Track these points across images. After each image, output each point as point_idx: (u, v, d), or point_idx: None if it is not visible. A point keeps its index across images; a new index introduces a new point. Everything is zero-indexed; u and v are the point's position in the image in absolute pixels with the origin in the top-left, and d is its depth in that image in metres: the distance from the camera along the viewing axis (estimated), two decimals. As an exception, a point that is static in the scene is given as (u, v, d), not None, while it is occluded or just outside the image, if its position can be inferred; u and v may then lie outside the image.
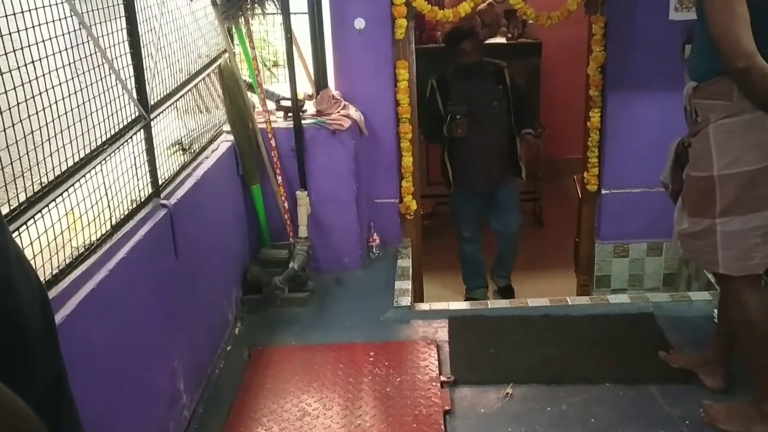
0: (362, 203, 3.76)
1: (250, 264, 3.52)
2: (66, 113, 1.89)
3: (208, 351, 2.94)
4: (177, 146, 3.06)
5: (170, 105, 2.79)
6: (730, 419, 2.46)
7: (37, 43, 1.73)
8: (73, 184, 1.91)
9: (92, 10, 2.11)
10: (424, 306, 3.49)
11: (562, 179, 5.79)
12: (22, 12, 1.67)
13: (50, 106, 1.80)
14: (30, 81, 1.69)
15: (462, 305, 3.45)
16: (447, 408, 2.63)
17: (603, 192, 3.88)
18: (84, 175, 1.98)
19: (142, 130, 2.43)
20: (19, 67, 1.64)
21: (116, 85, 2.24)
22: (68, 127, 1.90)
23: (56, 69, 1.84)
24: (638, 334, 3.07)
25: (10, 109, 1.59)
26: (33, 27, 1.72)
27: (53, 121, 1.80)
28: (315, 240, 3.64)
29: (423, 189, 4.85)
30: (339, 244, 3.72)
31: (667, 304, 3.31)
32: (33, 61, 1.71)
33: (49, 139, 1.78)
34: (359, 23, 3.63)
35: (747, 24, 1.99)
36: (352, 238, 3.72)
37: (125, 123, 2.30)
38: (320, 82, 3.64)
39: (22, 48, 1.64)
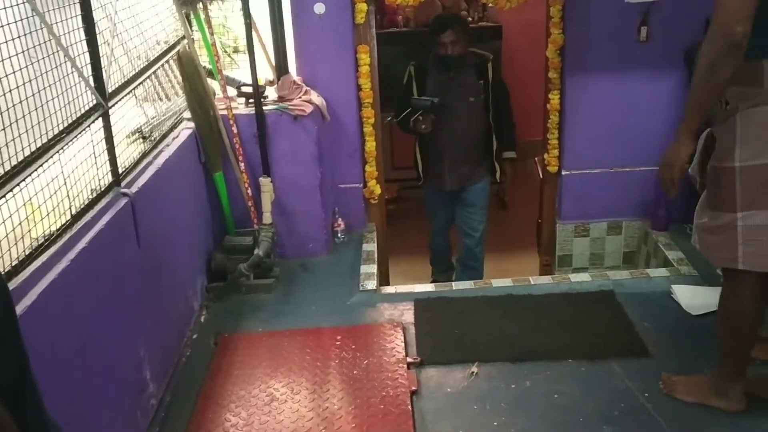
0: (326, 188, 3.77)
1: (214, 252, 3.51)
2: (21, 102, 1.86)
3: (174, 339, 2.94)
4: (137, 134, 3.04)
5: (129, 93, 2.76)
6: (689, 390, 2.54)
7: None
8: (30, 174, 1.89)
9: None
10: (389, 289, 3.52)
11: (524, 161, 5.84)
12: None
13: (3, 95, 1.77)
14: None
15: (427, 287, 3.48)
16: (414, 388, 2.66)
17: (563, 173, 3.95)
18: (41, 165, 1.95)
19: (100, 119, 2.39)
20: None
21: (72, 72, 2.21)
22: (23, 117, 1.87)
23: (9, 57, 1.81)
24: (599, 310, 3.14)
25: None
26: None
27: (8, 110, 1.77)
28: (279, 226, 3.64)
29: (388, 173, 4.87)
30: (304, 229, 3.72)
31: (626, 281, 3.39)
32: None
33: (3, 129, 1.75)
34: (319, 8, 3.61)
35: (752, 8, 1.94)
36: (316, 223, 3.72)
37: (83, 111, 2.27)
38: (281, 68, 3.62)
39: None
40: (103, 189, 2.41)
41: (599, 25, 3.66)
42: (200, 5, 3.39)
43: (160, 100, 3.43)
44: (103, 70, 2.43)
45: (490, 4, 3.81)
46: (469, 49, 3.87)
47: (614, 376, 2.71)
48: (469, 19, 5.65)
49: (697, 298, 3.14)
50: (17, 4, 1.87)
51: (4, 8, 1.81)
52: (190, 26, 3.48)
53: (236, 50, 4.57)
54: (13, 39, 1.83)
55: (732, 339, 2.41)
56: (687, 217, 3.77)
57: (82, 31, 2.29)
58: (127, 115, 2.87)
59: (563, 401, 2.59)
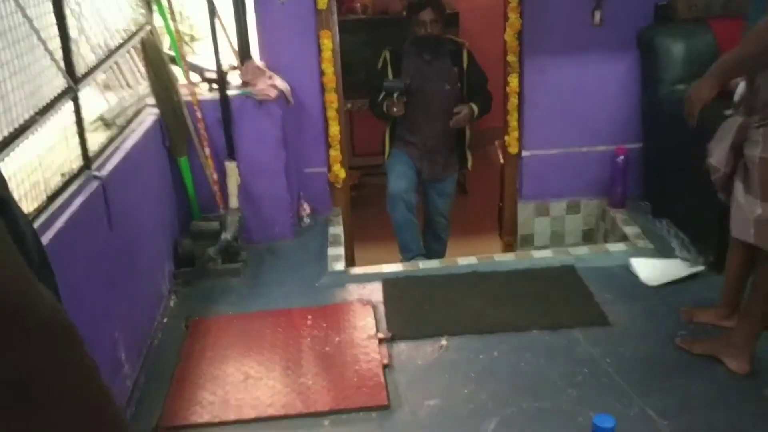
0: (291, 173, 3.81)
1: (180, 237, 3.52)
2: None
3: (146, 323, 2.95)
4: (99, 122, 3.04)
5: (96, 76, 2.76)
6: (702, 343, 2.69)
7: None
8: (8, 154, 1.89)
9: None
10: (357, 270, 3.58)
11: (485, 148, 5.96)
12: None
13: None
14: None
15: (394, 267, 3.55)
16: (386, 362, 2.74)
17: (523, 154, 4.06)
18: (18, 146, 1.96)
19: (71, 102, 2.40)
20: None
21: (45, 56, 2.21)
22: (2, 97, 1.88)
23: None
24: (561, 284, 3.26)
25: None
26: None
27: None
28: (246, 210, 3.67)
29: (350, 160, 4.93)
30: (270, 213, 3.76)
31: (586, 256, 3.52)
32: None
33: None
34: (281, -7, 3.65)
35: None
36: (282, 207, 3.76)
37: (55, 95, 2.27)
38: (244, 53, 3.64)
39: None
40: (75, 172, 2.42)
41: (555, 10, 3.78)
42: (162, -9, 3.40)
43: (122, 87, 3.42)
44: (73, 54, 2.44)
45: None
46: (444, 35, 3.89)
47: (577, 344, 2.83)
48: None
49: (653, 270, 3.28)
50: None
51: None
52: (152, 13, 3.48)
53: (193, 38, 4.57)
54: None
55: (765, 307, 2.50)
56: (641, 193, 3.96)
57: (53, 15, 2.29)
58: (90, 102, 2.88)
59: (529, 368, 2.70)
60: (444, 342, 2.86)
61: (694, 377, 2.59)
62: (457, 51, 3.88)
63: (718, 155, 2.48)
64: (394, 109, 3.76)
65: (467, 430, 2.39)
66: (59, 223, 2.12)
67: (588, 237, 4.17)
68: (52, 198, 2.19)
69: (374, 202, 5.30)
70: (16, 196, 1.99)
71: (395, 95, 3.74)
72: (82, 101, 2.66)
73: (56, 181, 2.27)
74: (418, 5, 3.77)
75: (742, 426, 2.35)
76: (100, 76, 3.17)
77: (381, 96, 3.79)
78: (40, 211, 2.11)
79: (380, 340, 2.88)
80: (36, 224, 2.06)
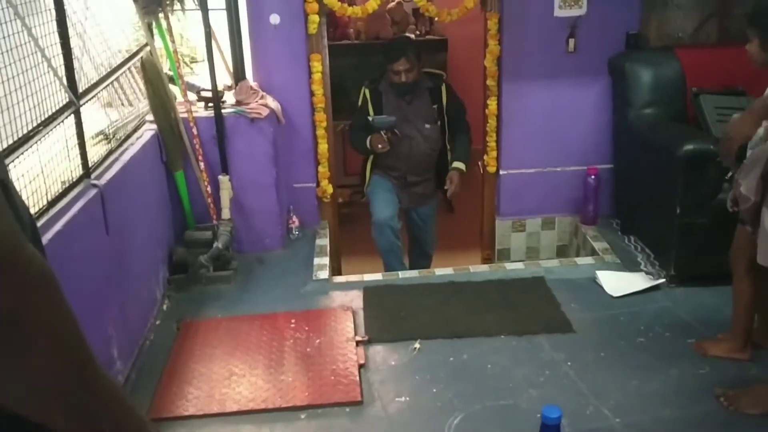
0: (281, 187, 4.02)
1: (175, 246, 3.73)
2: (3, 96, 2.08)
3: (139, 324, 3.14)
4: (101, 136, 3.26)
5: (97, 93, 2.98)
6: (754, 402, 2.55)
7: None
8: (13, 161, 2.10)
9: (24, 2, 2.31)
10: (341, 278, 3.78)
11: (471, 168, 6.18)
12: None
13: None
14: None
15: (376, 276, 3.75)
16: (362, 362, 2.93)
17: (501, 173, 4.27)
18: (22, 153, 2.17)
19: (72, 115, 2.62)
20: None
21: (48, 72, 2.43)
22: (3, 112, 2.09)
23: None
24: (530, 294, 3.46)
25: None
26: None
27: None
28: (238, 222, 3.87)
29: (341, 179, 5.14)
30: (260, 225, 3.96)
31: (556, 268, 3.72)
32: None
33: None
34: (274, 19, 3.89)
35: None
36: (272, 220, 3.97)
37: (57, 108, 2.49)
38: (239, 74, 3.87)
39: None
40: (75, 180, 2.63)
41: (532, 37, 4.01)
42: (162, 15, 3.63)
43: (122, 105, 3.65)
44: (75, 71, 2.66)
45: (432, 17, 4.12)
46: (423, 71, 3.93)
47: (541, 349, 3.02)
48: (417, 32, 5.98)
49: (617, 282, 3.48)
50: (3, 8, 2.10)
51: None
52: (152, 35, 3.72)
53: (194, 60, 4.81)
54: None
55: None
56: (612, 212, 4.17)
57: (57, 35, 2.52)
58: (91, 118, 3.10)
59: (495, 371, 2.88)
60: (417, 345, 3.05)
61: (648, 380, 2.77)
62: (436, 87, 3.93)
63: (748, 184, 2.43)
64: (379, 146, 3.81)
65: (433, 425, 2.57)
66: (58, 225, 2.32)
67: (562, 252, 4.37)
68: (52, 203, 2.40)
69: (363, 218, 5.47)
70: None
71: (385, 132, 3.81)
72: (84, 116, 2.89)
73: (57, 188, 2.48)
74: (392, 54, 3.81)
75: (689, 423, 2.53)
76: (103, 94, 3.42)
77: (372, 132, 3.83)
78: (40, 214, 2.31)
79: (357, 343, 3.07)
80: (38, 225, 2.26)
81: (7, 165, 2.09)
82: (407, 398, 2.72)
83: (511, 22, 3.99)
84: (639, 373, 2.82)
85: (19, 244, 0.79)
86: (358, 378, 2.82)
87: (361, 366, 2.91)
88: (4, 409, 0.81)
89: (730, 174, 3.29)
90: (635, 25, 4.01)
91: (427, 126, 3.93)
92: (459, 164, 3.97)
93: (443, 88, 3.95)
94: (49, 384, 0.82)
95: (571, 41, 4.00)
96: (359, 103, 4.00)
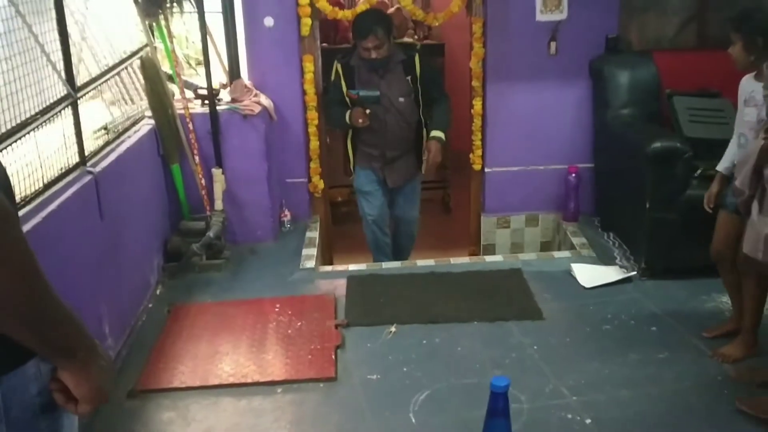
0: (273, 181, 4.21)
1: (171, 235, 3.92)
2: (5, 84, 2.29)
3: (132, 306, 3.33)
4: (102, 130, 3.47)
5: (95, 87, 3.19)
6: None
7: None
8: (14, 141, 2.30)
9: (25, 2, 2.52)
10: (327, 268, 3.97)
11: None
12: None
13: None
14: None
15: (360, 266, 3.92)
16: (338, 343, 3.09)
17: (486, 170, 4.44)
18: (23, 136, 2.37)
19: (70, 106, 2.82)
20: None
21: (47, 66, 2.64)
22: (7, 96, 2.30)
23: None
24: (506, 284, 3.61)
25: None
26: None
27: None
28: (231, 215, 4.06)
29: (341, 179, 5.28)
30: (253, 218, 4.15)
31: (533, 261, 3.88)
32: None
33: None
34: (268, 21, 4.09)
35: None
36: (264, 212, 4.15)
37: (55, 99, 2.70)
38: (234, 73, 4.07)
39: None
40: (71, 166, 2.83)
41: (515, 40, 4.18)
42: (162, 17, 3.84)
43: (125, 103, 3.86)
44: (73, 66, 2.86)
45: (419, 19, 4.30)
46: (395, 43, 3.87)
47: (510, 334, 3.17)
48: (416, 37, 6.15)
49: (590, 274, 3.63)
50: (3, 6, 2.31)
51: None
52: (153, 36, 3.93)
53: (199, 62, 5.02)
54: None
55: None
56: (593, 210, 4.31)
57: (56, 32, 2.73)
58: (95, 114, 3.32)
59: (464, 353, 3.04)
60: (393, 329, 3.22)
61: (608, 363, 2.92)
62: (409, 58, 3.85)
63: (741, 178, 2.54)
64: (360, 120, 3.80)
65: (400, 399, 2.73)
66: (52, 206, 2.51)
67: (545, 248, 4.50)
68: (48, 186, 2.60)
69: (360, 217, 5.66)
70: (14, 181, 2.41)
71: (367, 106, 3.80)
72: (87, 111, 3.10)
73: (54, 173, 2.68)
74: (361, 31, 3.75)
75: (643, 402, 2.67)
76: (107, 93, 3.64)
77: (355, 107, 3.82)
78: (36, 195, 2.51)
79: (336, 326, 3.24)
80: (31, 206, 2.45)
81: (5, 147, 2.30)
82: (378, 376, 2.89)
83: (494, 26, 4.16)
84: (600, 356, 2.97)
85: None
86: (334, 357, 2.99)
87: (338, 347, 3.08)
88: None
89: (699, 171, 3.45)
90: (615, 29, 4.16)
91: (401, 99, 3.86)
92: (437, 133, 3.89)
93: (416, 58, 3.86)
94: (5, 304, 0.99)
95: (553, 44, 4.16)
96: (332, 77, 3.96)
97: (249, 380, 2.86)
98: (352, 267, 3.89)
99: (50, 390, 1.12)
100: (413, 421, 2.61)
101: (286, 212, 4.34)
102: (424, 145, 3.93)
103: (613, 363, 2.92)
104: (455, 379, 2.85)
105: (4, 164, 1.17)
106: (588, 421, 2.56)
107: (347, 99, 3.88)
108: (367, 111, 3.82)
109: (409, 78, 3.87)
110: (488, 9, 4.14)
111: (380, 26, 3.74)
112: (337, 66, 3.94)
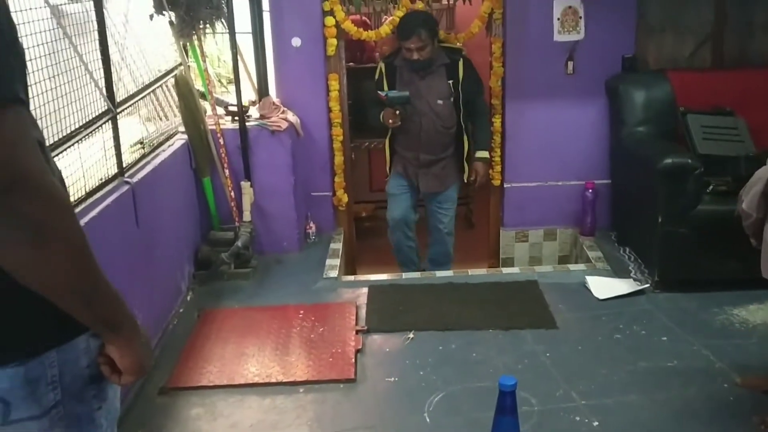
0: (299, 195, 4.38)
1: (201, 245, 4.11)
2: (53, 100, 2.49)
3: (164, 310, 3.52)
4: (138, 145, 3.68)
5: (133, 103, 3.40)
6: None
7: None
8: (62, 152, 2.50)
9: (71, 25, 2.74)
10: (349, 277, 4.12)
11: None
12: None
13: (38, 95, 2.40)
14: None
15: (381, 277, 4.07)
16: (358, 348, 3.24)
17: (505, 186, 4.57)
18: (68, 148, 2.57)
19: (110, 121, 3.03)
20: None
21: (90, 83, 2.85)
22: (54, 112, 2.50)
23: (45, 67, 2.45)
24: (522, 295, 3.73)
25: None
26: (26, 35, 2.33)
27: (45, 105, 2.41)
28: (258, 226, 4.25)
29: (366, 195, 5.47)
30: (279, 229, 4.33)
31: (549, 273, 3.99)
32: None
33: (42, 118, 2.38)
34: (296, 41, 4.29)
35: None
36: (290, 224, 4.33)
37: (97, 114, 2.90)
38: (263, 91, 4.27)
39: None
40: (110, 177, 3.03)
41: (533, 60, 4.32)
42: (195, 37, 4.06)
43: (160, 119, 4.08)
44: (114, 84, 3.07)
45: (442, 40, 4.46)
46: (440, 46, 3.91)
47: (524, 342, 3.29)
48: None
49: (604, 287, 3.73)
50: (52, 29, 2.52)
51: (43, 31, 2.45)
52: (187, 55, 4.14)
53: (230, 81, 5.24)
54: (47, 54, 2.48)
55: None
56: (609, 224, 4.42)
57: (98, 52, 2.94)
58: (132, 129, 3.53)
59: (478, 359, 3.17)
60: (411, 335, 3.36)
61: (618, 370, 3.02)
62: (453, 62, 3.90)
63: (749, 201, 2.56)
64: (390, 121, 3.85)
65: (416, 400, 2.86)
66: (93, 213, 2.70)
67: (563, 262, 4.60)
68: (89, 194, 2.79)
69: (384, 232, 5.81)
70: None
71: (397, 107, 3.82)
72: (124, 126, 3.30)
73: (95, 182, 2.88)
74: (405, 32, 3.79)
75: (649, 407, 2.77)
76: (143, 110, 3.85)
77: (386, 108, 3.86)
78: (78, 202, 2.70)
79: (357, 332, 3.39)
80: (76, 211, 2.65)
81: (53, 157, 2.50)
82: (396, 378, 3.03)
83: (513, 46, 4.32)
84: (610, 363, 3.07)
85: (47, 172, 1.10)
86: (353, 360, 3.13)
87: (357, 351, 3.22)
88: (33, 292, 1.14)
89: (711, 187, 3.56)
90: (631, 49, 4.29)
91: (440, 102, 3.88)
92: (483, 153, 4.06)
93: (460, 62, 3.91)
94: (65, 278, 1.15)
95: (570, 64, 4.30)
96: (376, 77, 4.05)
97: (273, 380, 3.01)
98: (374, 277, 4.04)
99: (98, 363, 1.28)
100: (428, 420, 2.73)
101: (311, 224, 4.52)
102: (473, 167, 4.04)
103: (622, 370, 3.02)
104: (469, 382, 2.97)
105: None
106: (595, 423, 2.67)
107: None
108: (397, 112, 3.84)
109: (451, 82, 3.91)
110: (507, 29, 4.30)
111: (424, 28, 3.78)
112: (381, 66, 4.05)
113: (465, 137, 4.07)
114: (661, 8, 4.31)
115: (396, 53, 4.05)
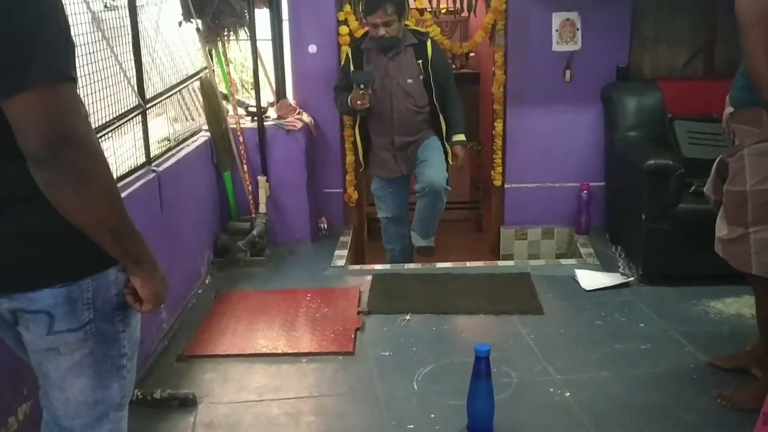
0: (312, 190, 4.71)
1: (220, 233, 4.46)
2: (92, 94, 2.85)
3: (184, 290, 3.86)
4: (165, 141, 4.04)
5: (161, 100, 3.76)
6: (749, 398, 2.70)
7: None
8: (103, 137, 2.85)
9: (109, 29, 3.10)
10: (355, 266, 4.44)
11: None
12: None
13: (80, 88, 2.75)
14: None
15: (385, 267, 4.38)
16: (358, 326, 3.54)
17: (506, 186, 4.86)
18: (105, 135, 2.93)
19: (140, 115, 3.38)
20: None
21: (123, 81, 3.21)
22: (92, 104, 2.86)
23: (86, 65, 2.80)
24: (514, 285, 4.01)
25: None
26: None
27: (84, 97, 2.76)
28: (273, 218, 4.58)
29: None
30: (293, 222, 4.66)
31: (542, 266, 4.27)
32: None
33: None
34: (312, 48, 4.63)
35: None
36: (303, 217, 4.66)
37: (129, 108, 3.26)
38: (280, 93, 4.62)
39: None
40: (138, 165, 3.38)
41: (533, 68, 4.62)
42: (220, 43, 4.42)
43: (186, 119, 4.44)
44: (144, 81, 3.43)
45: (447, 48, 4.78)
46: (407, 29, 3.89)
47: (511, 325, 3.57)
48: (453, 66, 6.63)
49: (592, 279, 3.99)
50: (92, 32, 2.88)
51: (84, 33, 2.81)
52: (212, 59, 4.51)
53: (252, 87, 5.60)
54: (88, 54, 2.84)
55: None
56: (603, 224, 4.68)
57: (131, 53, 3.30)
58: (160, 127, 3.90)
59: (467, 338, 3.46)
60: (407, 317, 3.65)
61: (594, 350, 3.29)
62: (421, 43, 3.88)
63: (707, 185, 2.84)
64: (359, 103, 3.80)
65: (406, 371, 3.15)
66: (123, 195, 3.04)
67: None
68: (119, 179, 3.14)
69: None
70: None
71: (362, 87, 3.78)
72: (152, 124, 3.66)
73: (126, 168, 3.23)
74: (369, 7, 3.73)
75: (620, 382, 3.02)
76: (170, 111, 4.21)
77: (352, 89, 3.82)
78: (111, 185, 3.05)
79: (358, 313, 3.70)
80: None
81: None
82: (390, 353, 3.32)
83: (514, 55, 4.62)
84: (588, 345, 3.34)
85: (91, 133, 1.41)
86: (353, 336, 3.44)
87: (357, 329, 3.53)
88: (77, 230, 1.45)
89: (693, 188, 3.82)
90: (625, 59, 4.57)
91: (410, 81, 3.85)
92: (459, 137, 4.10)
93: (429, 43, 3.89)
94: (100, 215, 1.45)
95: (568, 72, 4.58)
96: (342, 63, 4.06)
97: (279, 351, 3.33)
98: (378, 267, 4.35)
99: (124, 293, 1.60)
100: (416, 388, 3.03)
101: (323, 219, 4.84)
102: (452, 152, 4.14)
103: (598, 351, 3.28)
104: (456, 357, 3.26)
105: None
106: (567, 394, 2.94)
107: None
108: (364, 92, 3.79)
109: (420, 62, 3.89)
110: (509, 40, 4.60)
111: (390, 2, 3.72)
112: (347, 51, 4.07)
113: (441, 118, 4.03)
114: (655, 21, 4.59)
115: (363, 37, 4.07)
